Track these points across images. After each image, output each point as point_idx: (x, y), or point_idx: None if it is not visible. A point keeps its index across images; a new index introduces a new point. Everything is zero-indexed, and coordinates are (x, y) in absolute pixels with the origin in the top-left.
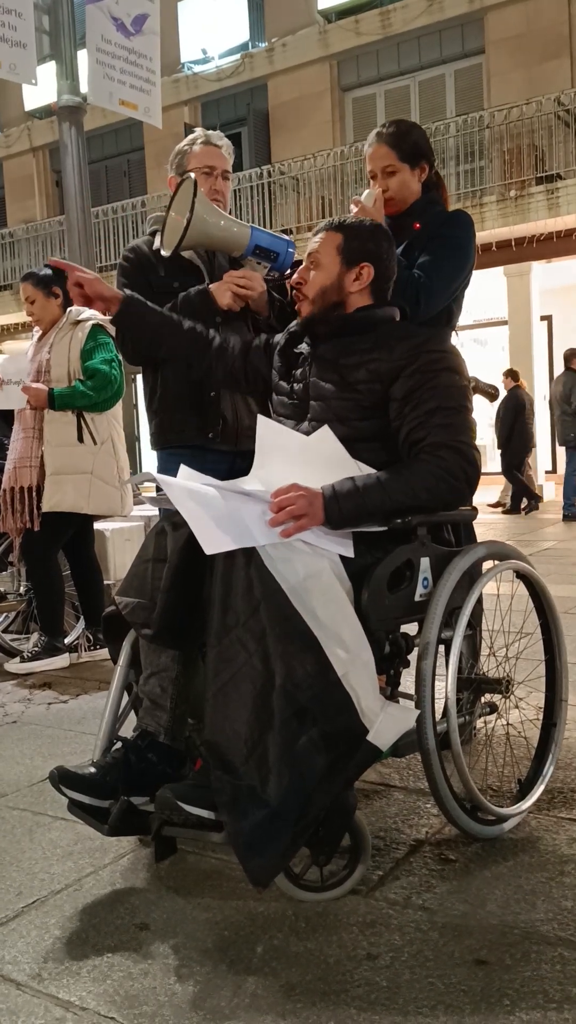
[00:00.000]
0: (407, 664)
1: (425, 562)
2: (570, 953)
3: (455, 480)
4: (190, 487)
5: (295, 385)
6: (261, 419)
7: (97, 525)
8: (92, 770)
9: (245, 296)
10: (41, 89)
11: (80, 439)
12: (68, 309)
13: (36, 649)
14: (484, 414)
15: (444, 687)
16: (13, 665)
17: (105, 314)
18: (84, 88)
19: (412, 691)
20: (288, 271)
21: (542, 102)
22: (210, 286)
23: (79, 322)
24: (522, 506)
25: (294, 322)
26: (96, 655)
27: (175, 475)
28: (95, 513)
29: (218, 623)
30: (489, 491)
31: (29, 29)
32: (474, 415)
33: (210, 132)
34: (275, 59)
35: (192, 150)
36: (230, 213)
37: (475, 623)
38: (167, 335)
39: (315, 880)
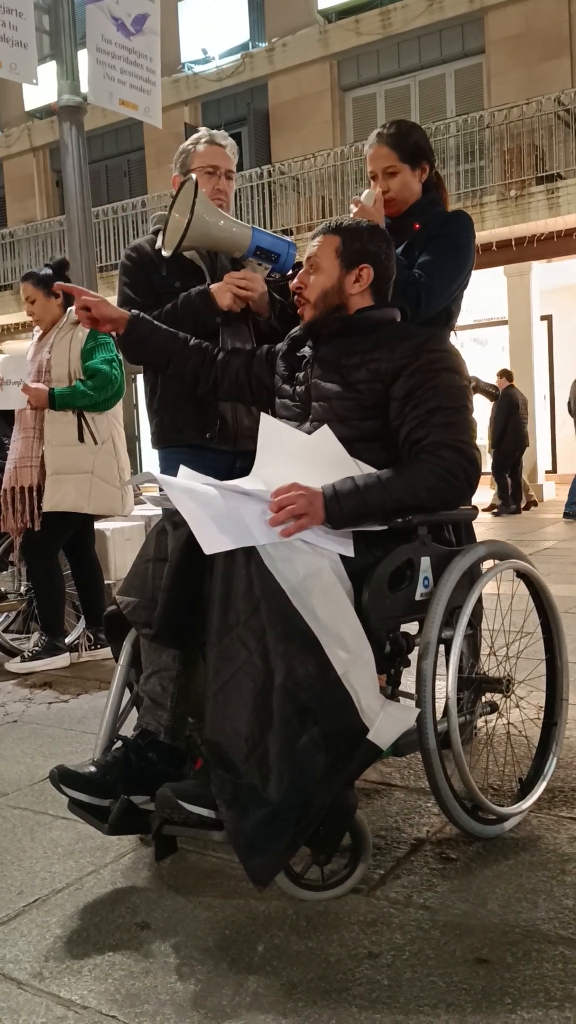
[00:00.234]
0: (407, 663)
1: (426, 561)
2: (571, 952)
3: (455, 479)
4: (190, 487)
5: (297, 387)
6: (264, 417)
7: (97, 525)
8: (92, 769)
9: (246, 297)
10: (41, 89)
11: (81, 439)
12: (68, 309)
13: (37, 649)
14: (483, 414)
15: (445, 686)
16: (14, 664)
17: (112, 334)
18: (84, 88)
19: (413, 690)
20: (289, 272)
21: (542, 102)
22: (211, 287)
23: (79, 322)
24: (507, 505)
25: (297, 327)
26: (96, 655)
27: (175, 474)
28: (96, 513)
29: (218, 622)
30: (490, 492)
31: (29, 29)
32: (474, 415)
33: (214, 131)
34: (275, 59)
35: (196, 149)
36: (231, 213)
37: (475, 622)
38: (174, 352)
39: (316, 879)
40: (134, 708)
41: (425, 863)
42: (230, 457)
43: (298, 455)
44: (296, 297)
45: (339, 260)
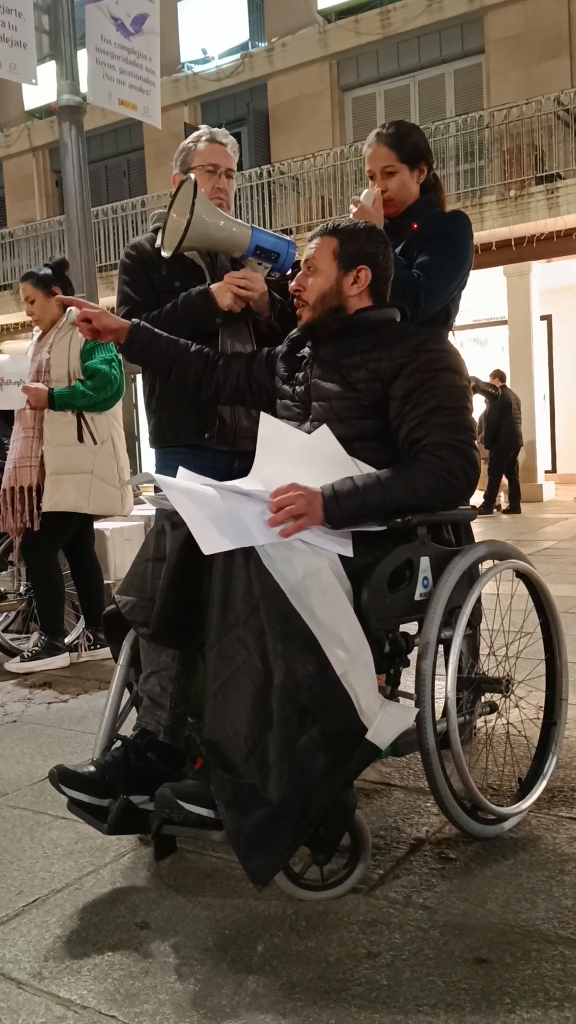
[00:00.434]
0: (407, 663)
1: (425, 561)
2: (571, 951)
3: (455, 479)
4: (189, 487)
5: (297, 388)
6: (263, 416)
7: (97, 525)
8: (92, 769)
9: (246, 297)
10: (41, 89)
11: (80, 439)
12: (68, 309)
13: (36, 648)
14: (477, 415)
15: (444, 686)
16: (13, 664)
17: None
18: (84, 88)
19: (412, 690)
20: (289, 272)
21: (542, 102)
22: (211, 287)
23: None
24: (494, 504)
25: (295, 329)
26: (96, 655)
27: (173, 474)
28: (95, 513)
29: (218, 622)
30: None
31: (29, 29)
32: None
33: (215, 130)
34: (275, 59)
35: (196, 147)
36: (230, 213)
37: (475, 622)
38: (176, 359)
39: (315, 879)
40: (133, 708)
41: (424, 863)
42: (228, 457)
43: (297, 455)
44: (294, 299)
45: (337, 262)
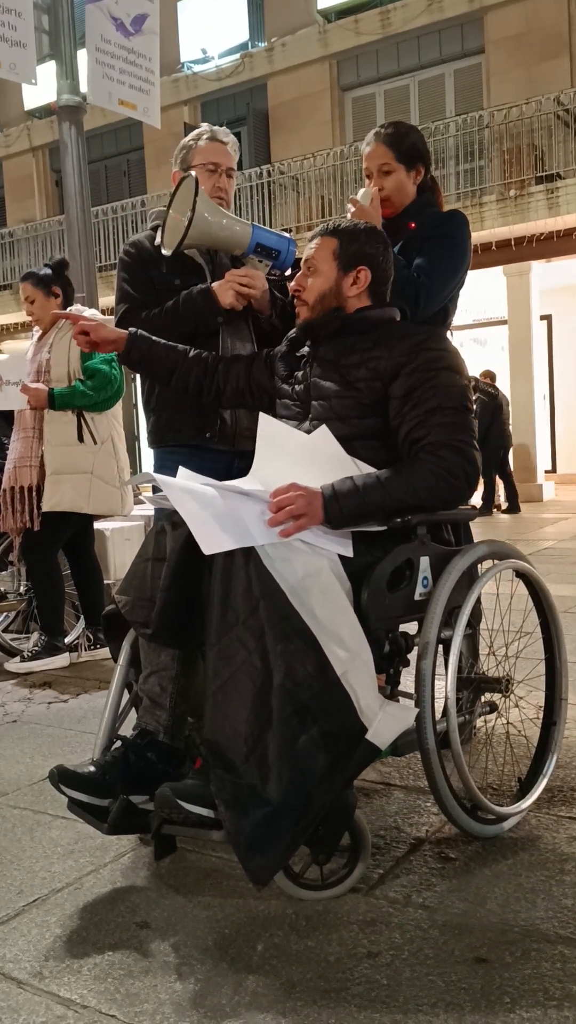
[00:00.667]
0: (407, 663)
1: (425, 561)
2: (570, 951)
3: (455, 479)
4: (189, 487)
5: (296, 387)
6: (263, 416)
7: (97, 525)
8: (92, 769)
9: (247, 295)
10: (41, 89)
11: (80, 439)
12: (68, 309)
13: (36, 648)
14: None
15: (444, 686)
16: (13, 664)
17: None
18: (84, 88)
19: (412, 690)
20: (289, 271)
21: (542, 102)
22: (213, 285)
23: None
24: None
25: (294, 329)
26: (96, 654)
27: (172, 473)
28: (95, 513)
29: (217, 622)
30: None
31: (29, 29)
32: None
33: (216, 128)
34: (275, 59)
35: (197, 146)
36: (231, 211)
37: (475, 622)
38: (176, 365)
39: (315, 879)
40: (133, 708)
41: (424, 863)
42: (228, 457)
43: (297, 455)
44: (294, 299)
45: (336, 262)
